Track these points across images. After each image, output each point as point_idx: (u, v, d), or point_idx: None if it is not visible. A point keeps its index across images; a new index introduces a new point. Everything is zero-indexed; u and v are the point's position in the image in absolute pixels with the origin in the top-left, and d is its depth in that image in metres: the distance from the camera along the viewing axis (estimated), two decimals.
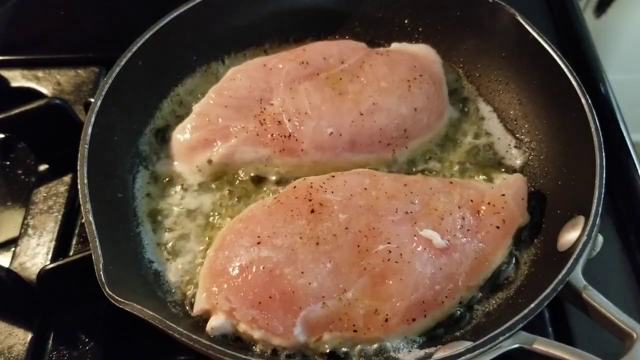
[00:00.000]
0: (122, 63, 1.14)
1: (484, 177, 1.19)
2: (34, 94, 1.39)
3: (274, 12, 1.36)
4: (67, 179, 1.23)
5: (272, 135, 1.17)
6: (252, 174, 1.18)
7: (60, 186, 1.22)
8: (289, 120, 1.17)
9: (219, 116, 1.19)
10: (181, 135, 1.19)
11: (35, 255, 1.13)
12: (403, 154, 1.21)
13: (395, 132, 1.19)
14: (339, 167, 1.16)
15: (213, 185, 1.17)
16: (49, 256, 1.13)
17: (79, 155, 1.01)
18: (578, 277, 0.90)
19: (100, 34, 1.54)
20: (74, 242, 1.16)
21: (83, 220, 0.97)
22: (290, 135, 1.16)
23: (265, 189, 1.17)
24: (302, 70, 1.24)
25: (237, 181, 1.18)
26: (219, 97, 1.21)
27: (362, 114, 1.18)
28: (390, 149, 1.20)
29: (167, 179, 1.18)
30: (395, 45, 1.32)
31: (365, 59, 1.26)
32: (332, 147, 1.17)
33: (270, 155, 1.17)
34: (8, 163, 1.32)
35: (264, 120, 1.18)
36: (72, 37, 1.55)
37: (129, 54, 1.15)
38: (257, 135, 1.17)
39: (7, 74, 1.42)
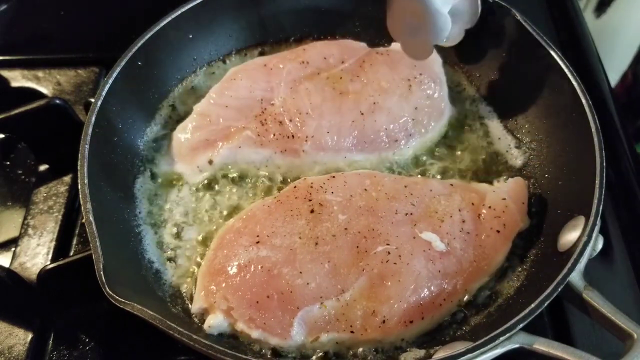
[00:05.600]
0: (122, 63, 1.14)
1: (484, 177, 1.19)
2: (34, 94, 1.39)
3: (274, 12, 1.36)
4: (67, 179, 1.23)
5: (273, 135, 1.17)
6: (253, 174, 1.18)
7: (60, 186, 1.22)
8: (290, 120, 1.17)
9: (220, 116, 1.19)
10: (182, 135, 1.19)
11: (36, 255, 1.13)
12: (404, 153, 1.21)
13: (396, 132, 1.20)
14: (341, 167, 1.17)
15: (213, 185, 1.17)
16: (49, 256, 1.13)
17: (79, 155, 1.01)
18: (578, 278, 0.90)
19: (100, 34, 1.54)
20: (74, 242, 1.16)
21: (83, 220, 0.98)
22: (291, 135, 1.16)
23: (265, 188, 1.17)
24: (302, 70, 1.24)
25: (238, 181, 1.17)
26: (219, 97, 1.21)
27: (362, 114, 1.19)
28: (392, 149, 1.20)
29: (168, 178, 1.18)
30: (395, 45, 1.31)
31: (366, 59, 1.26)
32: (333, 147, 1.17)
33: (271, 156, 1.17)
34: (8, 163, 1.32)
35: (265, 120, 1.18)
36: (72, 37, 1.55)
37: (129, 54, 1.15)
38: (259, 135, 1.17)
39: (7, 74, 1.43)
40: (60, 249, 1.15)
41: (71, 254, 1.15)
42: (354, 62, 1.26)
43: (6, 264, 1.12)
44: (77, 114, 1.24)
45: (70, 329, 1.05)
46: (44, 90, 1.40)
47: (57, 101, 1.20)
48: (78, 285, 0.96)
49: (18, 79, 1.42)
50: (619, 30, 1.84)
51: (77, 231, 1.18)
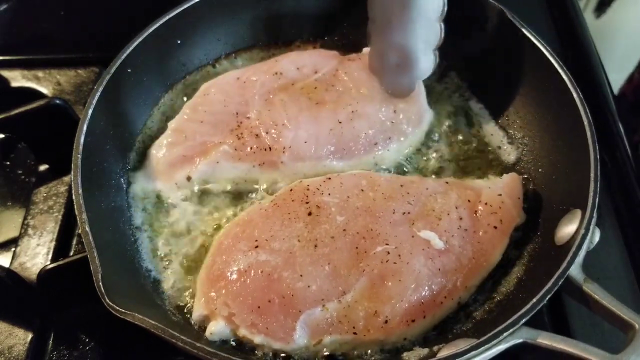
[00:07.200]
0: (112, 71, 1.13)
1: (478, 174, 1.19)
2: (34, 94, 1.39)
3: (263, 16, 1.36)
4: (67, 179, 1.22)
5: (251, 148, 1.15)
6: (234, 188, 1.16)
7: (60, 186, 1.22)
8: (267, 132, 1.15)
9: (196, 132, 1.16)
10: (158, 151, 1.16)
11: (36, 255, 1.13)
12: (385, 156, 1.20)
13: (375, 137, 1.19)
14: (321, 176, 1.14)
15: (200, 198, 1.15)
16: (49, 256, 1.13)
17: (72, 165, 1.00)
18: (578, 271, 0.90)
19: (100, 34, 1.54)
20: (74, 242, 1.16)
21: (79, 231, 0.96)
22: (268, 147, 1.14)
23: (252, 200, 1.15)
24: (276, 82, 1.22)
25: (220, 195, 1.16)
26: (193, 113, 1.19)
27: (340, 122, 1.17)
28: (371, 153, 1.19)
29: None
30: (367, 50, 1.27)
31: (339, 67, 1.25)
32: (311, 156, 1.16)
33: (250, 169, 1.15)
34: (8, 163, 1.32)
35: (242, 134, 1.16)
36: (72, 37, 1.54)
37: (118, 62, 1.14)
38: (236, 149, 1.14)
39: (7, 74, 1.42)
40: (60, 249, 1.14)
41: (71, 254, 1.14)
42: (327, 72, 1.24)
43: (6, 264, 1.11)
44: (77, 114, 1.23)
45: (70, 329, 1.04)
46: (44, 90, 1.40)
47: (57, 101, 1.19)
48: (78, 285, 0.95)
49: (18, 79, 1.42)
50: (619, 30, 1.84)
51: (77, 231, 1.17)
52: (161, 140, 1.18)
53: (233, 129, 1.17)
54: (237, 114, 1.18)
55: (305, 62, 1.27)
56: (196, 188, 1.15)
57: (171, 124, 1.19)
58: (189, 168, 1.15)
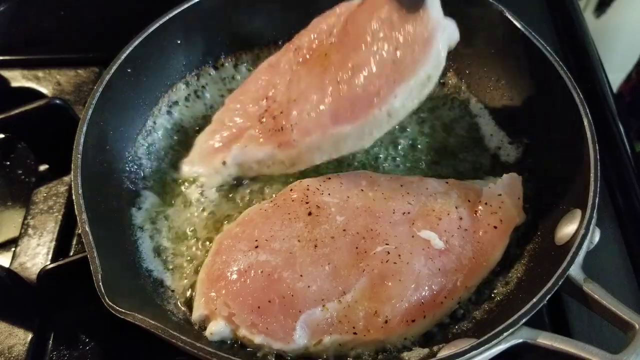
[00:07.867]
0: (112, 71, 1.13)
1: (478, 174, 1.20)
2: (34, 94, 1.39)
3: (262, 15, 1.36)
4: (67, 179, 1.23)
5: (270, 130, 1.14)
6: (262, 174, 1.18)
7: (60, 186, 1.22)
8: (281, 112, 1.14)
9: (232, 120, 1.20)
10: (202, 140, 1.21)
11: (36, 255, 1.13)
12: (396, 107, 1.04)
13: (377, 83, 1.03)
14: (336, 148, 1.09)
15: (202, 197, 1.16)
16: (49, 256, 1.13)
17: (72, 165, 1.00)
18: (578, 271, 0.90)
19: (100, 34, 1.54)
20: (74, 242, 1.16)
21: (79, 231, 0.97)
22: (281, 128, 1.13)
23: (266, 193, 1.16)
24: (296, 58, 1.20)
25: (223, 195, 1.17)
26: (233, 102, 1.22)
27: (339, 81, 1.06)
28: (377, 105, 1.03)
29: (161, 185, 1.17)
30: None
31: (348, 19, 1.13)
32: (316, 125, 1.08)
33: (273, 152, 1.14)
34: (8, 163, 1.32)
35: (263, 117, 1.17)
36: (72, 37, 1.55)
37: (118, 62, 1.15)
38: (259, 132, 1.15)
39: (7, 74, 1.43)
40: (60, 249, 1.15)
41: (71, 254, 1.15)
42: (337, 31, 1.14)
43: (6, 264, 1.12)
44: (77, 114, 1.24)
45: (70, 329, 1.05)
46: (44, 90, 1.41)
47: (57, 101, 1.20)
48: (78, 285, 0.95)
49: (18, 79, 1.42)
50: (619, 30, 1.85)
51: (77, 231, 1.17)
52: (206, 130, 1.22)
53: (261, 114, 1.18)
54: (266, 98, 1.19)
55: (322, 27, 1.21)
56: (231, 172, 1.17)
57: (215, 115, 1.23)
58: (223, 154, 1.17)
